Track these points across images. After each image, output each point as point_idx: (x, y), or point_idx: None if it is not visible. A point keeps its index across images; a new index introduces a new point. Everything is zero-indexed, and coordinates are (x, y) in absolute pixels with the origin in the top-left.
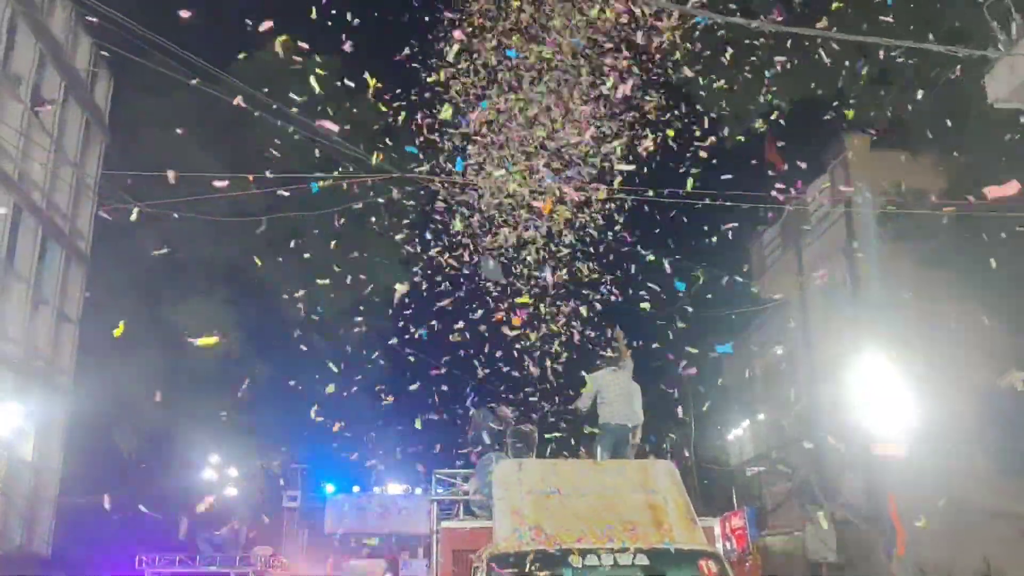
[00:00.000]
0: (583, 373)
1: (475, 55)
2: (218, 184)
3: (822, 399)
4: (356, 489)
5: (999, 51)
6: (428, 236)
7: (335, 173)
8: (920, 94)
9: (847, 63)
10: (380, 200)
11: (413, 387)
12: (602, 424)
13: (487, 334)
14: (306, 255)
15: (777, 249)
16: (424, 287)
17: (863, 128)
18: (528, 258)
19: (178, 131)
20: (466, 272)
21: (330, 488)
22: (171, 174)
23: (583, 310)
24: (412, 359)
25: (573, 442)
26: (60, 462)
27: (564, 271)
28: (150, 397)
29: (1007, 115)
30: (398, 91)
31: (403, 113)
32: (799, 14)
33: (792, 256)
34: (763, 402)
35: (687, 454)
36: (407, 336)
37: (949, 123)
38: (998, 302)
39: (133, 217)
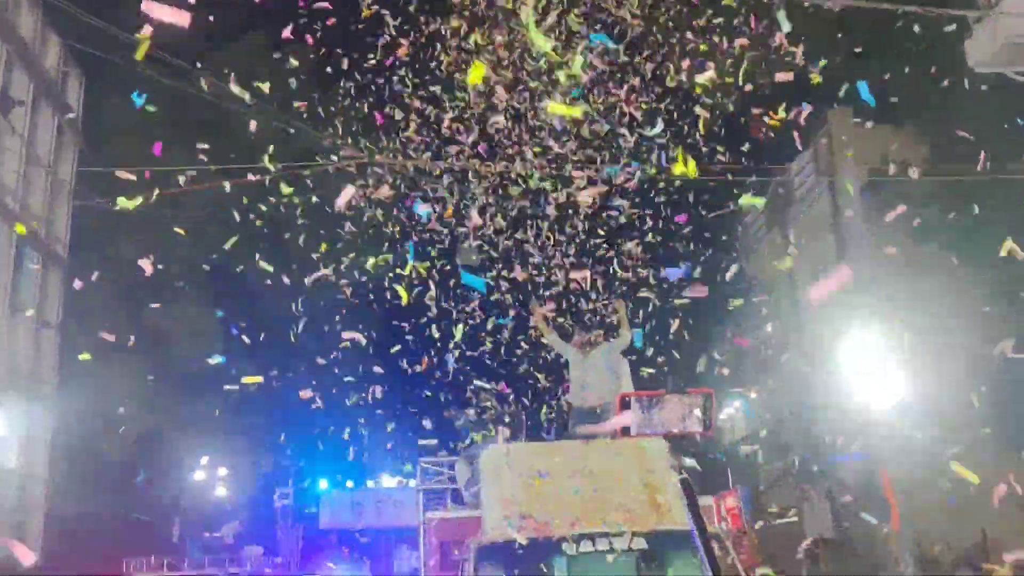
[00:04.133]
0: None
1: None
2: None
3: (815, 376)
4: (350, 484)
5: (979, 11)
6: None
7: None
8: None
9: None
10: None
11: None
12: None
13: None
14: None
15: (762, 228)
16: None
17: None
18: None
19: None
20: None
21: (323, 484)
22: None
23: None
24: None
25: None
26: (47, 470)
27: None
28: (137, 400)
29: (987, 80)
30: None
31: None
32: None
33: (778, 234)
34: (756, 380)
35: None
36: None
37: (930, 94)
38: (987, 272)
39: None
